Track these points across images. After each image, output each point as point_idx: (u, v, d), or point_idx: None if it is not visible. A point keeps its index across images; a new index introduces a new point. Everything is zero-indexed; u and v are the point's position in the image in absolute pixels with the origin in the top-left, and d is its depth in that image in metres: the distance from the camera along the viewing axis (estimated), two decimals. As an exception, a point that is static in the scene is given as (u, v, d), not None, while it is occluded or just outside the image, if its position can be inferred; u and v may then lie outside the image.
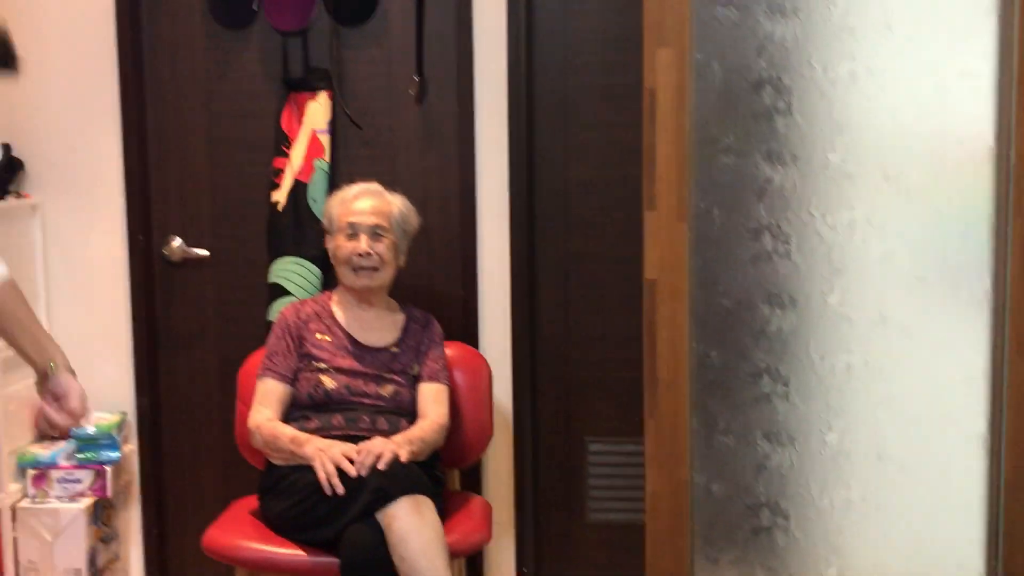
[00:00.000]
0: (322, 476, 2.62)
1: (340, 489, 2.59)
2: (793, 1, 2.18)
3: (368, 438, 2.75)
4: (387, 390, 2.94)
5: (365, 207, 3.01)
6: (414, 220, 3.10)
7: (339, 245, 3.03)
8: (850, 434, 2.26)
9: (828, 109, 2.21)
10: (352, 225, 3.00)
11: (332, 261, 3.09)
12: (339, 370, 2.94)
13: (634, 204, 3.32)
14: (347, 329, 3.02)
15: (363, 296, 3.04)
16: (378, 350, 3.00)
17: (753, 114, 2.21)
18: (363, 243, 2.97)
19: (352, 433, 2.83)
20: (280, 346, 2.99)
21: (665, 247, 2.23)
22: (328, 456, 2.65)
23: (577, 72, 3.32)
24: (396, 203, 3.06)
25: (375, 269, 2.99)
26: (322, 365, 2.94)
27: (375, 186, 3.09)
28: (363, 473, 2.60)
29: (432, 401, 2.96)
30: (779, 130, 2.21)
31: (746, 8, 2.19)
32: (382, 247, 3.00)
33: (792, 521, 2.29)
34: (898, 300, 2.24)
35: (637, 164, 3.32)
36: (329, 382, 2.92)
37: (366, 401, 2.91)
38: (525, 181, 3.31)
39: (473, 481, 3.38)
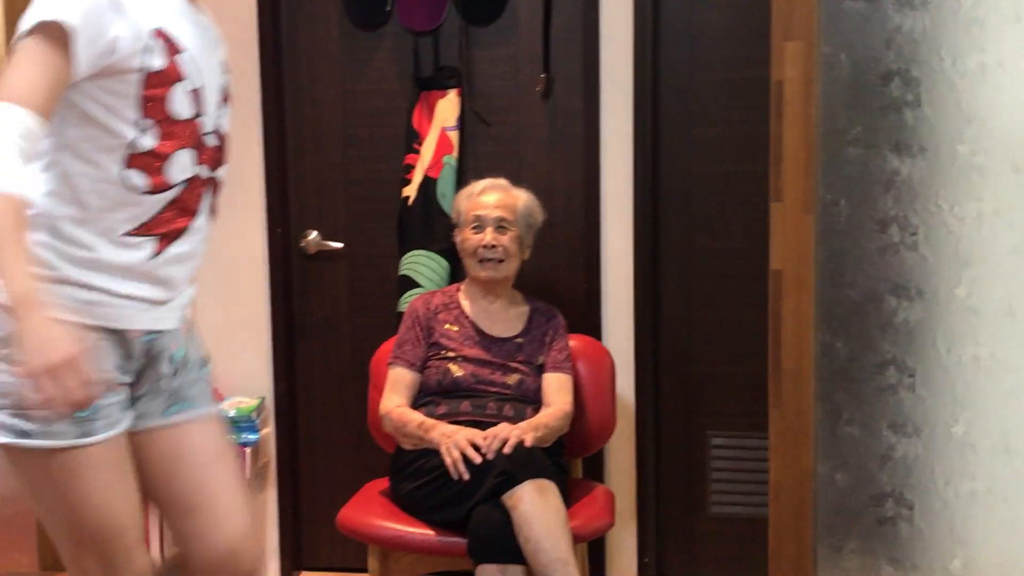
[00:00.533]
0: (448, 462, 2.72)
1: (465, 475, 2.69)
2: (922, -7, 2.19)
3: (494, 424, 2.84)
4: (512, 379, 3.02)
5: (491, 201, 3.11)
6: (539, 214, 3.18)
7: (466, 237, 3.13)
8: (976, 426, 2.25)
9: (957, 101, 2.21)
10: (478, 218, 3.10)
11: (459, 253, 3.19)
12: (466, 359, 3.03)
13: (757, 199, 3.34)
14: (474, 320, 3.11)
15: (489, 288, 3.14)
16: (504, 340, 3.09)
17: (881, 106, 2.23)
18: (488, 235, 3.07)
19: (479, 419, 2.92)
20: (410, 336, 3.10)
21: (791, 238, 2.26)
22: (453, 442, 2.74)
23: (702, 67, 3.36)
24: (522, 198, 3.15)
25: (500, 261, 3.08)
26: (450, 354, 3.05)
27: (502, 181, 3.19)
28: (490, 457, 2.69)
29: (557, 390, 3.03)
30: (907, 122, 2.22)
31: (874, 0, 2.21)
32: (506, 239, 3.08)
33: (916, 512, 2.29)
34: (1028, 293, 2.23)
35: (760, 159, 3.35)
36: (457, 370, 3.01)
37: (492, 389, 3.00)
38: (649, 176, 3.36)
39: (595, 470, 3.44)
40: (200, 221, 1.68)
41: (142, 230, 1.55)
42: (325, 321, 3.68)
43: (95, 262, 1.51)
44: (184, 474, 1.63)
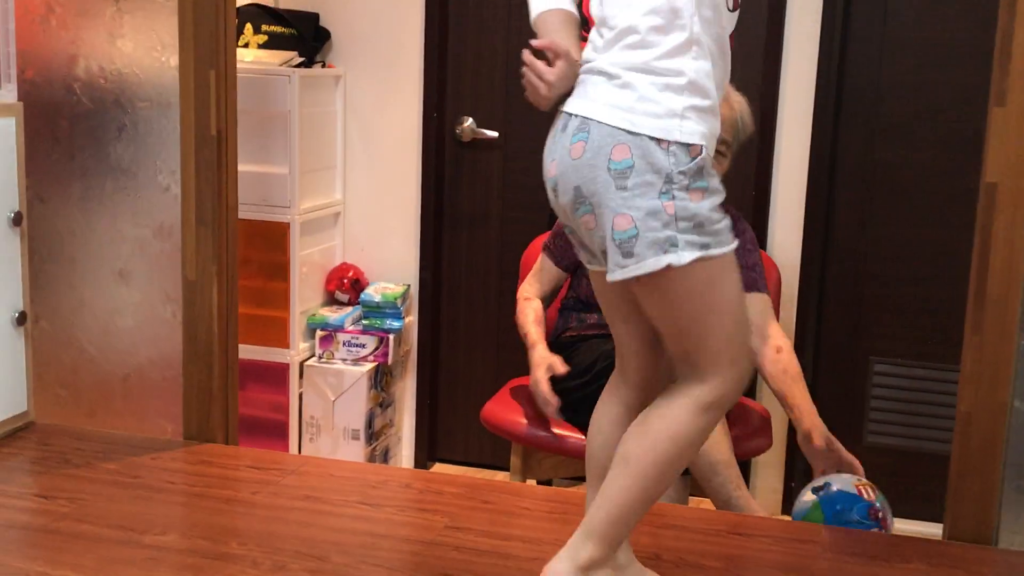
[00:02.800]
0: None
1: (553, 410, 2.59)
2: None
3: None
4: None
5: None
6: (750, 125, 2.70)
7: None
8: None
9: None
10: None
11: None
12: None
13: (953, 111, 3.08)
14: None
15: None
16: None
17: None
18: None
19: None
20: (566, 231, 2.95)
21: (1012, 148, 2.02)
22: (534, 381, 2.64)
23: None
24: (736, 107, 2.65)
25: None
26: None
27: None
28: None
29: (758, 314, 2.60)
30: None
31: None
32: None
33: (1123, 461, 2.07)
34: None
35: (960, 67, 3.07)
36: None
37: None
38: (834, 77, 3.12)
39: (749, 389, 3.28)
40: None
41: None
42: (475, 212, 3.57)
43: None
44: None
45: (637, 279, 1.57)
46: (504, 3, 3.43)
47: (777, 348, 2.59)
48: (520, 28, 3.42)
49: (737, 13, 1.66)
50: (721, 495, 2.48)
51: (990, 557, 2.13)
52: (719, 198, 1.58)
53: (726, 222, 1.58)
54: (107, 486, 2.24)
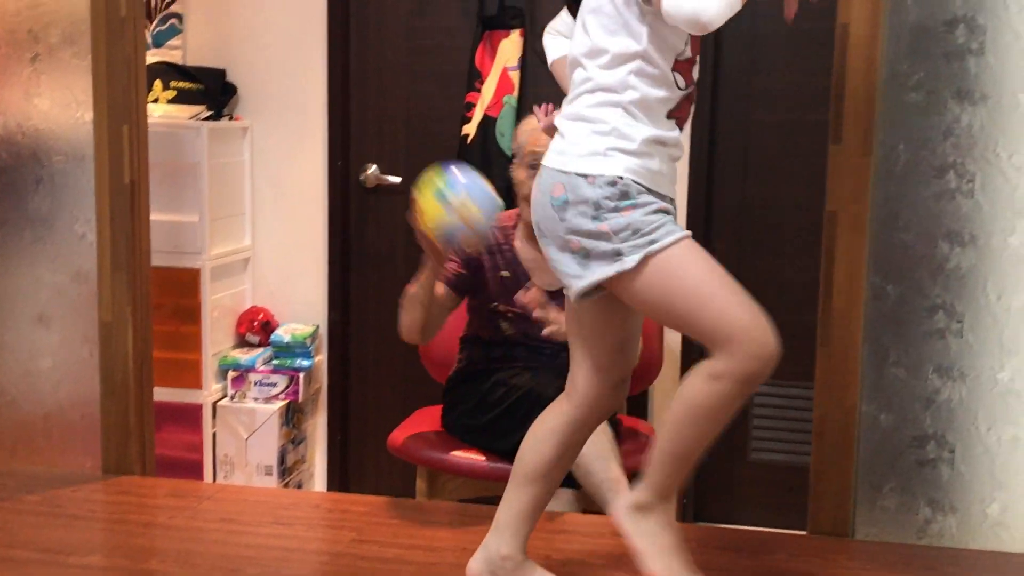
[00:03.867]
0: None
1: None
2: (993, -60, 2.20)
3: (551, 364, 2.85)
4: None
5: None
6: None
7: (521, 180, 3.12)
8: (1022, 373, 2.28)
9: (1021, 49, 2.21)
10: (534, 155, 3.08)
11: (516, 193, 3.21)
12: (518, 316, 2.99)
13: (815, 149, 3.36)
14: (527, 268, 3.10)
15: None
16: (556, 293, 3.09)
17: (945, 53, 2.24)
18: None
19: (534, 366, 2.92)
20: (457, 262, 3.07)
21: (848, 180, 2.29)
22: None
23: (764, 16, 3.37)
24: None
25: None
26: (501, 308, 3.01)
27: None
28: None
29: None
30: (970, 70, 2.23)
31: (944, -54, 2.22)
32: None
33: (957, 455, 2.33)
34: (1082, 246, 2.25)
35: (818, 110, 3.36)
36: (508, 328, 2.99)
37: (546, 345, 2.99)
38: (707, 123, 3.39)
39: (640, 410, 3.51)
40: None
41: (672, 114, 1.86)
42: (380, 253, 3.76)
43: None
44: None
45: (617, 289, 1.80)
46: (405, 56, 3.65)
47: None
48: (419, 76, 3.64)
49: (691, 89, 1.88)
50: (600, 497, 2.64)
51: (847, 547, 2.36)
52: (654, 206, 1.79)
53: (667, 218, 1.80)
54: (31, 516, 2.37)
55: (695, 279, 1.78)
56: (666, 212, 1.81)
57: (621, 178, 1.77)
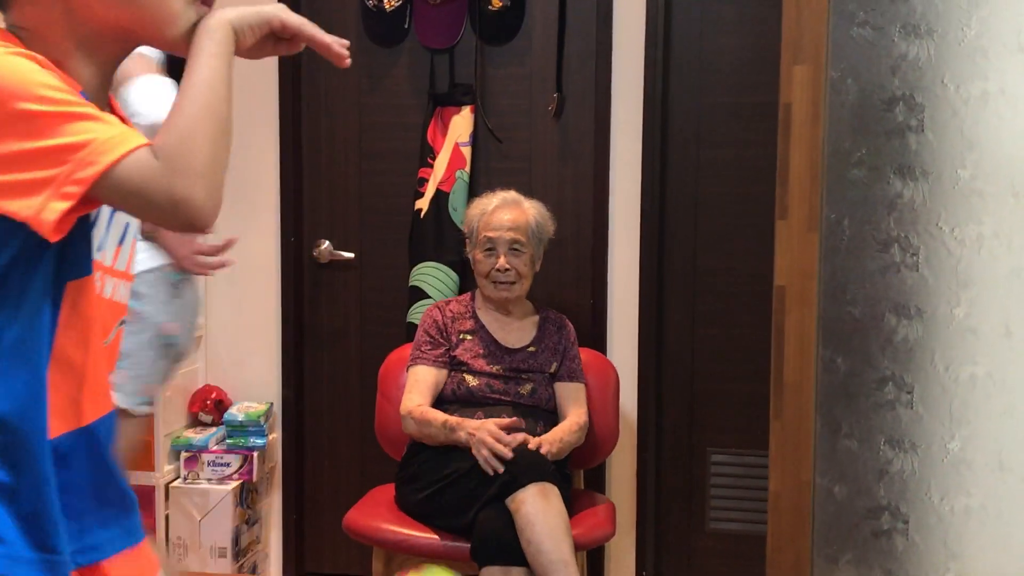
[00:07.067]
0: (481, 461, 2.78)
1: (500, 468, 2.75)
2: (928, 22, 2.27)
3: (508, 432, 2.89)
4: (525, 388, 3.08)
5: (504, 221, 3.14)
6: (550, 227, 3.24)
7: (478, 260, 3.17)
8: (972, 443, 2.32)
9: (959, 127, 2.28)
10: (490, 240, 3.13)
11: (473, 270, 3.24)
12: (481, 371, 3.08)
13: (762, 221, 3.41)
14: (489, 330, 3.16)
15: (501, 304, 3.20)
16: (517, 350, 3.15)
17: (886, 130, 2.30)
18: (502, 260, 3.11)
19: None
20: (428, 337, 3.14)
21: (795, 255, 2.33)
22: (479, 440, 2.80)
23: (711, 91, 3.44)
24: (532, 212, 3.19)
25: (513, 283, 3.14)
26: (465, 365, 3.10)
27: (512, 195, 3.23)
28: (508, 456, 2.77)
29: (573, 400, 3.10)
30: (911, 146, 2.29)
31: (881, 28, 2.28)
32: (520, 262, 3.13)
33: (912, 525, 2.35)
34: (1025, 315, 2.29)
35: (765, 183, 3.42)
36: (472, 380, 3.06)
37: (506, 398, 3.05)
38: (657, 196, 3.43)
39: (597, 482, 3.50)
40: None
41: None
42: (335, 330, 3.74)
43: None
44: None
45: None
46: (356, 132, 3.67)
47: (577, 423, 3.05)
48: (371, 153, 3.67)
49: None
50: None
51: (806, 621, 2.37)
52: None
53: None
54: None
55: None
56: None
57: None
